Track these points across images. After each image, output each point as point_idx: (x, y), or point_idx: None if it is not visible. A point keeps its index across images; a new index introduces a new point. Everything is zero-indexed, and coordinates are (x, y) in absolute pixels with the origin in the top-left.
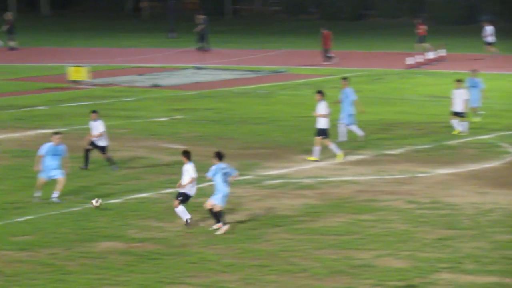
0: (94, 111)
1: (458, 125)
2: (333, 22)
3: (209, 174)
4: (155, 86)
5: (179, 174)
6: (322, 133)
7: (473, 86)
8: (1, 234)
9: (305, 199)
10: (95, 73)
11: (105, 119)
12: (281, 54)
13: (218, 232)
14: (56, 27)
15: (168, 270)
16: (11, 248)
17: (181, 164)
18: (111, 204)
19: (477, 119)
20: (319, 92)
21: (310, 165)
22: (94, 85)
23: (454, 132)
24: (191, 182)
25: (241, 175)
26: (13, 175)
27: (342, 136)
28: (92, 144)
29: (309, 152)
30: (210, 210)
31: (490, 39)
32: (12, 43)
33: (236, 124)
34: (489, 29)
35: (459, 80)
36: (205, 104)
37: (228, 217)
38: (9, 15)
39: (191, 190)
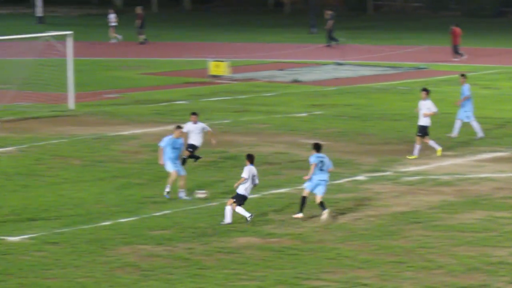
0: (194, 113)
1: None
2: (474, 19)
3: (311, 160)
4: (295, 81)
5: None
6: (423, 130)
7: None
8: (139, 229)
9: (443, 195)
10: (236, 68)
11: (245, 114)
12: (422, 51)
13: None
14: (197, 22)
15: (305, 265)
16: (148, 243)
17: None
18: (249, 199)
19: None
20: (425, 89)
21: (448, 162)
22: (235, 80)
23: None
24: (241, 181)
25: (379, 171)
26: (152, 169)
27: (479, 132)
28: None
29: (447, 148)
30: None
31: None
32: (141, 37)
33: (375, 120)
34: None
35: None
36: (345, 100)
37: (366, 213)
38: (139, 10)
39: (245, 191)
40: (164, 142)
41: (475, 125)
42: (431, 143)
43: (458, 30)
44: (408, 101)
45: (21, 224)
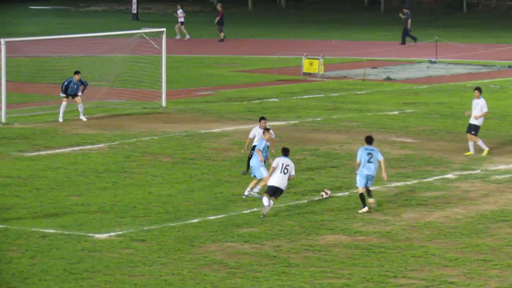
0: (262, 118)
1: None
2: None
3: (357, 159)
4: (388, 79)
5: (408, 167)
6: (476, 129)
7: None
8: (227, 226)
9: None
10: (329, 65)
11: (336, 112)
12: None
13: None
14: (292, 19)
15: (392, 263)
16: (236, 240)
17: (409, 157)
18: (339, 197)
19: None
20: (478, 88)
21: None
22: (327, 77)
23: None
24: (270, 171)
25: (469, 169)
26: (242, 166)
27: None
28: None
29: None
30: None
31: None
32: (221, 35)
33: (466, 119)
34: None
35: None
36: (437, 98)
37: (454, 211)
38: (219, 6)
39: (273, 181)
40: (261, 145)
41: None
42: (480, 143)
43: None
44: (500, 100)
45: (109, 221)
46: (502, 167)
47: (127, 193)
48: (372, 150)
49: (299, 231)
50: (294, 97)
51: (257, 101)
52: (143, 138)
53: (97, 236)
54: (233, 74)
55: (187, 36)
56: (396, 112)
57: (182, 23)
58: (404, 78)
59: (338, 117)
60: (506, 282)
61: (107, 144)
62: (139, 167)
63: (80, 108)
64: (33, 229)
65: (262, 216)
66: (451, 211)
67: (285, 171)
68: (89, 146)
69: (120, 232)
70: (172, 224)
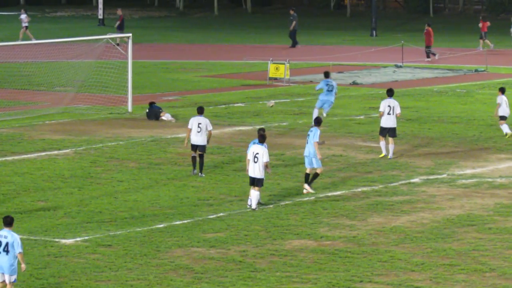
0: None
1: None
2: None
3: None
4: (354, 84)
5: (374, 172)
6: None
7: None
8: (193, 231)
9: (497, 198)
10: (295, 70)
11: (302, 116)
12: (482, 53)
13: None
14: (258, 24)
15: (358, 268)
16: (202, 245)
17: (375, 162)
18: (304, 201)
19: None
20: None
21: (505, 165)
22: (294, 82)
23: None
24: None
25: (435, 174)
26: (208, 171)
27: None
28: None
29: (504, 151)
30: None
31: None
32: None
33: (432, 123)
34: None
35: None
36: (403, 103)
37: (420, 216)
38: (119, 11)
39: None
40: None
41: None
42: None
43: (431, 30)
44: (466, 104)
45: (75, 227)
46: (468, 171)
47: (93, 199)
48: (312, 131)
49: (265, 236)
50: (260, 102)
51: (223, 106)
52: (109, 144)
53: (63, 241)
54: (199, 79)
55: (33, 40)
56: (362, 117)
57: (26, 27)
58: (370, 83)
59: (304, 122)
60: (473, 287)
61: (73, 149)
62: (105, 172)
63: None
64: None
65: (248, 206)
66: (417, 215)
67: (255, 159)
68: (55, 152)
69: (86, 237)
70: (138, 229)
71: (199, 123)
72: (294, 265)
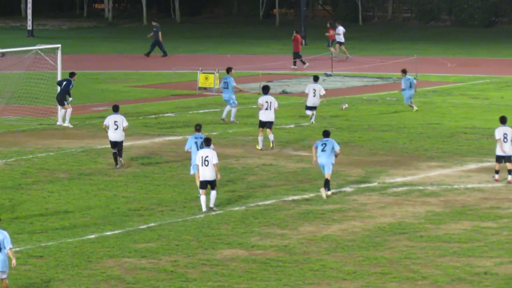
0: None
1: None
2: (464, 28)
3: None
4: (284, 93)
5: (304, 181)
6: None
7: None
8: (124, 242)
9: (429, 206)
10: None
11: (232, 126)
12: (412, 61)
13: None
14: (187, 34)
15: (290, 277)
16: (133, 256)
17: (305, 171)
18: (235, 211)
19: None
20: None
21: (435, 173)
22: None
23: None
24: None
25: (366, 182)
26: (139, 181)
27: None
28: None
29: (434, 159)
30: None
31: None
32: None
33: (362, 131)
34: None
35: None
36: (333, 111)
37: (351, 224)
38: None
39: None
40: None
41: None
42: None
43: (299, 37)
44: (396, 112)
45: None
46: (399, 179)
47: (24, 210)
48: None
49: (196, 245)
50: (190, 112)
51: (153, 116)
52: (40, 155)
53: None
54: (128, 89)
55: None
56: (292, 126)
57: None
58: (300, 92)
59: (234, 131)
60: None
61: (4, 160)
62: (35, 183)
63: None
64: None
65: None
66: (349, 224)
67: (206, 163)
68: None
69: (17, 249)
70: (69, 240)
71: (115, 121)
72: (225, 275)
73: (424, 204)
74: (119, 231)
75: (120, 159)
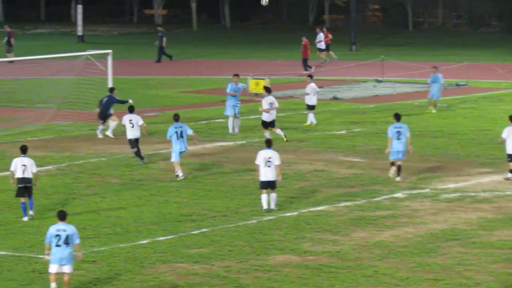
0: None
1: None
2: None
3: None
4: (335, 99)
5: (356, 186)
6: None
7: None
8: (176, 247)
9: (481, 212)
10: (275, 85)
11: (284, 131)
12: (462, 67)
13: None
14: (237, 40)
15: (342, 283)
16: (185, 261)
17: (357, 176)
18: (287, 217)
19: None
20: None
21: (487, 179)
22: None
23: None
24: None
25: (418, 188)
26: (191, 187)
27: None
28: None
29: (486, 165)
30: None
31: None
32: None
33: (414, 137)
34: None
35: None
36: (384, 117)
37: (404, 231)
38: (7, 28)
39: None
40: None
41: None
42: None
43: (308, 43)
44: (447, 118)
45: None
46: (451, 185)
47: (76, 215)
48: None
49: (249, 251)
50: (241, 118)
51: (204, 121)
52: (91, 160)
53: (47, 257)
54: (179, 95)
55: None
56: (343, 132)
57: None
58: (351, 98)
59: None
60: None
61: (56, 166)
62: (87, 188)
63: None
64: None
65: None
66: (401, 230)
67: (268, 164)
68: (38, 168)
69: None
70: (122, 245)
71: (130, 120)
72: (278, 280)
73: (477, 210)
74: (172, 236)
75: (143, 160)
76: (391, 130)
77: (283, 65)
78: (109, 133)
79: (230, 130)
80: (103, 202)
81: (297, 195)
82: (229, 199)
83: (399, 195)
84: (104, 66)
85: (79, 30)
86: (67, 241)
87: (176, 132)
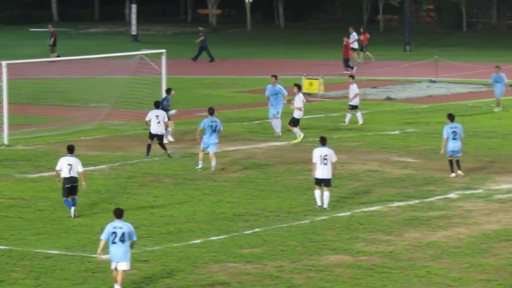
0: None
1: None
2: None
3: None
4: (388, 99)
5: (409, 187)
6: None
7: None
8: (229, 247)
9: None
10: (329, 85)
11: (337, 132)
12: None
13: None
14: (291, 39)
15: (395, 284)
16: (238, 261)
17: (410, 177)
18: (340, 217)
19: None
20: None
21: None
22: (328, 97)
23: None
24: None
25: (471, 188)
26: (244, 187)
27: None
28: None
29: None
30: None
31: None
32: (53, 55)
33: (467, 138)
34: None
35: None
36: (437, 118)
37: (456, 231)
38: (50, 28)
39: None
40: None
41: None
42: None
43: (349, 43)
44: (502, 119)
45: None
46: (504, 186)
47: (129, 214)
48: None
49: (301, 251)
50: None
51: (258, 121)
52: (145, 159)
53: (102, 257)
54: (233, 94)
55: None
56: (396, 132)
57: None
58: (404, 98)
59: (338, 137)
60: None
61: (109, 165)
62: (141, 188)
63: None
64: (37, 250)
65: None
66: (454, 230)
67: (325, 161)
68: (91, 168)
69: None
70: (175, 245)
71: (156, 115)
72: (331, 281)
73: None
74: (225, 236)
75: (167, 152)
76: (447, 131)
77: (337, 65)
78: (170, 138)
79: (276, 131)
80: (156, 201)
81: (351, 195)
82: (282, 199)
83: (452, 195)
84: (158, 65)
85: (133, 30)
86: (122, 239)
87: (211, 126)
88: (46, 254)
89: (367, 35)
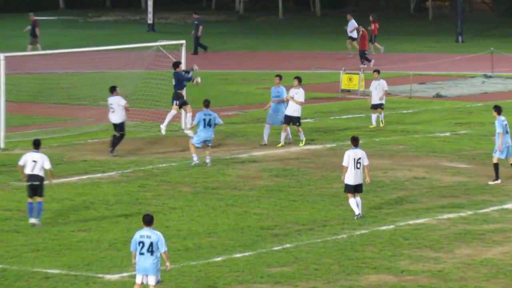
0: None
1: None
2: None
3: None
4: (438, 96)
5: (461, 196)
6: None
7: None
8: (255, 265)
9: None
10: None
11: (379, 134)
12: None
13: None
14: (328, 29)
15: None
16: (265, 281)
17: (463, 185)
18: (382, 231)
19: None
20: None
21: None
22: (368, 95)
23: None
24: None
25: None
26: (273, 196)
27: None
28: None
29: None
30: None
31: None
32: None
33: None
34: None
35: None
36: (493, 118)
37: None
38: (31, 16)
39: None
40: None
41: None
42: None
43: (366, 33)
44: None
45: (121, 260)
46: None
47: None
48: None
49: (338, 270)
50: (332, 117)
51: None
52: (160, 165)
53: (108, 277)
54: (262, 91)
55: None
56: (447, 134)
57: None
58: (456, 95)
59: (381, 140)
60: None
61: (119, 172)
62: (155, 198)
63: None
64: (35, 270)
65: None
66: (511, 246)
67: (358, 165)
68: (99, 175)
69: (133, 273)
70: (192, 263)
71: (110, 104)
72: None
73: None
74: (250, 253)
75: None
76: (500, 123)
77: (379, 57)
78: (189, 132)
79: (265, 138)
80: (172, 213)
81: (394, 206)
82: (316, 210)
83: (509, 206)
84: (177, 58)
85: (149, 18)
86: (151, 249)
87: (204, 120)
88: (45, 274)
89: (377, 25)
